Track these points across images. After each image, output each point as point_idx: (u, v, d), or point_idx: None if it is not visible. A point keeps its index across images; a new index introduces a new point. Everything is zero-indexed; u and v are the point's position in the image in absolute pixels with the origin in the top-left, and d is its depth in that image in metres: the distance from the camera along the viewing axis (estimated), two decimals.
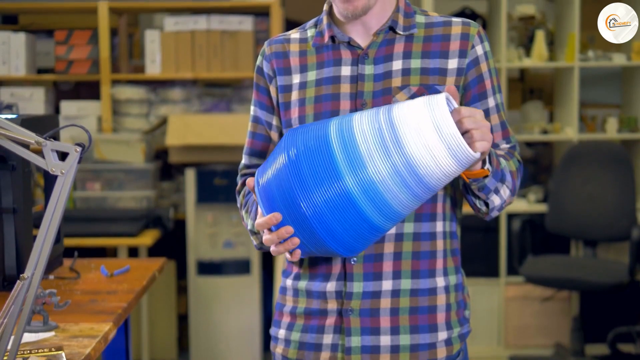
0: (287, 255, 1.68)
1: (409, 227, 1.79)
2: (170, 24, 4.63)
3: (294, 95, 1.85)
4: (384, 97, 1.78)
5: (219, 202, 4.48)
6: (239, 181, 1.97)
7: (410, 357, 1.80)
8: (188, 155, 4.54)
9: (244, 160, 1.96)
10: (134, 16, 5.46)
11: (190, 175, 4.50)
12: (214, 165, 4.56)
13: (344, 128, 1.60)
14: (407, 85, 1.78)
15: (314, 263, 1.84)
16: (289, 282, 1.90)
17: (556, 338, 4.79)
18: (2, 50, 4.55)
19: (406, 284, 1.80)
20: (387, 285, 1.79)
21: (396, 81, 1.79)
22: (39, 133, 1.76)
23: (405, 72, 1.79)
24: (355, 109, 1.79)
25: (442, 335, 1.83)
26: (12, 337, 1.71)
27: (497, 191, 1.75)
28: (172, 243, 4.70)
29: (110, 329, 2.08)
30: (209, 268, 4.54)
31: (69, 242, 2.95)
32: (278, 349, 1.91)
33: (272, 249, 1.67)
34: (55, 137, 1.79)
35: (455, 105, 1.61)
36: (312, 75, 1.84)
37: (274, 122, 1.90)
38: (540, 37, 4.88)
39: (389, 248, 1.78)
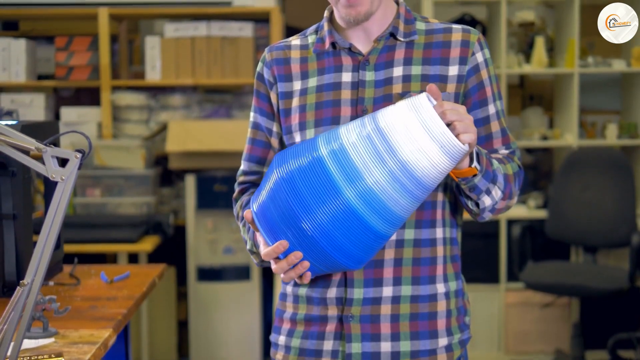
0: (297, 279, 1.69)
1: (409, 234, 1.79)
2: (170, 30, 4.63)
3: (295, 102, 1.85)
4: (385, 103, 1.78)
5: (219, 208, 4.48)
6: (237, 188, 1.97)
7: None
8: (188, 161, 4.54)
9: (243, 167, 1.95)
10: (134, 22, 5.47)
11: (190, 182, 4.50)
12: (214, 172, 4.56)
13: (333, 143, 1.61)
14: (408, 92, 1.78)
15: None
16: (289, 288, 1.90)
17: (556, 344, 4.78)
18: (2, 56, 4.56)
19: (406, 290, 1.80)
20: (387, 291, 1.79)
21: (397, 87, 1.79)
22: (39, 139, 1.76)
23: (406, 78, 1.80)
24: (356, 115, 1.79)
25: (443, 341, 1.83)
26: (12, 344, 1.71)
27: (488, 192, 1.75)
28: (172, 249, 4.69)
29: (110, 335, 2.08)
30: (209, 274, 4.54)
31: (69, 248, 2.95)
32: (278, 356, 1.90)
33: (283, 275, 1.68)
34: (56, 144, 1.80)
35: (435, 102, 1.62)
36: (312, 82, 1.84)
37: (275, 128, 1.90)
38: (540, 43, 4.88)
39: (389, 254, 1.78)
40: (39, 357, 1.87)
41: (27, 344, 1.96)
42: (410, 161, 1.56)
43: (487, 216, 1.82)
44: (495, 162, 1.76)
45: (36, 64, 4.80)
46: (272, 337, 1.93)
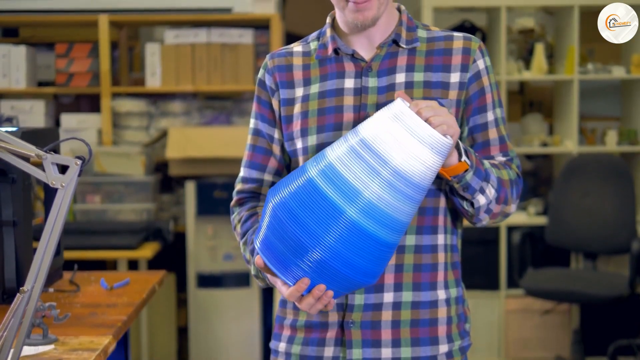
0: (322, 308, 1.68)
1: (410, 240, 1.79)
2: (170, 37, 4.64)
3: (297, 108, 1.85)
4: None
5: (219, 215, 4.48)
6: (235, 197, 1.96)
7: None
8: (188, 167, 4.54)
9: (243, 173, 1.94)
10: (134, 29, 5.48)
11: (190, 188, 4.50)
12: (214, 178, 4.56)
13: (322, 165, 1.61)
14: (411, 98, 1.78)
15: None
16: None
17: (556, 351, 4.78)
18: (2, 63, 4.56)
19: (407, 296, 1.80)
20: (388, 297, 1.79)
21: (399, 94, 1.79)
22: (39, 146, 1.76)
23: (409, 85, 1.80)
24: (358, 121, 1.79)
25: (443, 348, 1.83)
26: (12, 350, 1.71)
27: (482, 191, 1.75)
28: (172, 256, 4.69)
29: (110, 342, 2.08)
30: (208, 281, 4.53)
31: (68, 254, 2.95)
32: None
33: (310, 309, 1.67)
34: (56, 150, 1.80)
35: (409, 103, 1.64)
36: (315, 88, 1.84)
37: (276, 135, 1.90)
38: (539, 50, 4.89)
39: (390, 260, 1.78)
40: None
41: (27, 350, 1.96)
42: (405, 168, 1.58)
43: (484, 218, 1.81)
44: (486, 163, 1.77)
45: (36, 71, 4.80)
46: (272, 344, 1.93)
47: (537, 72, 4.89)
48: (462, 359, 1.87)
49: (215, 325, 4.53)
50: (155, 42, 4.71)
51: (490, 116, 1.84)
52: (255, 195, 1.93)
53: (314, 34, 1.92)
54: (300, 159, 1.83)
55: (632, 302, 4.48)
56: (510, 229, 4.71)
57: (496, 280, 4.77)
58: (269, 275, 1.74)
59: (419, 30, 1.86)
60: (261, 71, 1.92)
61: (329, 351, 1.83)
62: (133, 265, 4.34)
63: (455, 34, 1.86)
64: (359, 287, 1.67)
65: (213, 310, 4.53)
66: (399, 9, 1.88)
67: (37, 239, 1.76)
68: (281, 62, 1.89)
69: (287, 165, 1.92)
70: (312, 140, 1.81)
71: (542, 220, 4.77)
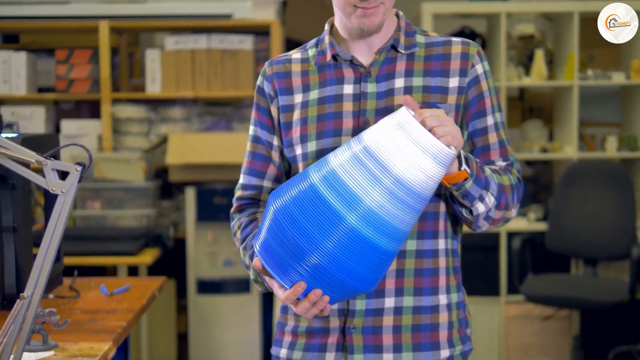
0: (318, 313, 1.68)
1: (411, 245, 1.80)
2: (170, 43, 4.64)
3: (296, 115, 1.85)
4: (387, 114, 1.78)
5: (219, 221, 4.48)
6: (235, 203, 1.96)
7: None
8: (188, 173, 4.54)
9: (242, 180, 1.95)
10: (134, 35, 5.48)
11: (190, 194, 4.50)
12: (214, 184, 4.56)
13: (324, 171, 1.61)
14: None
15: None
16: None
17: (557, 357, 4.77)
18: (3, 69, 4.56)
19: (408, 301, 1.80)
20: (389, 302, 1.79)
21: (398, 99, 1.80)
22: (39, 152, 1.76)
23: (408, 90, 1.80)
24: (358, 127, 1.79)
25: (445, 353, 1.83)
26: (12, 357, 1.71)
27: (481, 198, 1.75)
28: (172, 262, 4.69)
29: (109, 348, 2.07)
30: (208, 287, 4.53)
31: (68, 260, 2.95)
32: None
33: (306, 314, 1.67)
34: (56, 156, 1.80)
35: (414, 112, 1.63)
36: (314, 94, 1.85)
37: (275, 142, 1.90)
38: (539, 56, 4.89)
39: (391, 265, 1.78)
40: None
41: (27, 357, 1.96)
42: (406, 177, 1.57)
43: (483, 225, 1.81)
44: (487, 170, 1.77)
45: (37, 77, 4.81)
46: (274, 350, 1.93)
47: (537, 78, 4.89)
48: None
49: (215, 331, 4.52)
50: (155, 48, 4.72)
51: (490, 120, 1.85)
52: (254, 202, 1.93)
53: (313, 41, 1.92)
54: (300, 165, 1.84)
55: (632, 308, 4.48)
56: (511, 235, 4.71)
57: (496, 286, 4.76)
58: (267, 278, 1.74)
59: (418, 35, 1.87)
60: (260, 78, 1.92)
61: (330, 357, 1.83)
62: (133, 271, 4.34)
63: (454, 39, 1.87)
64: (356, 294, 1.67)
65: (213, 316, 4.52)
66: (397, 15, 1.89)
67: (37, 245, 1.76)
68: (280, 69, 1.90)
69: (287, 171, 1.92)
70: (312, 146, 1.81)
71: (542, 226, 4.76)
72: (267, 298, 4.68)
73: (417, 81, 1.81)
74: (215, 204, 4.49)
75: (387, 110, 1.79)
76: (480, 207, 1.76)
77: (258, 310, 4.54)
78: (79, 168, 1.72)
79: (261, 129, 1.92)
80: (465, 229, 1.92)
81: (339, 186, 1.58)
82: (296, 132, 1.84)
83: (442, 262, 1.83)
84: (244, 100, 4.80)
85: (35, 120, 4.58)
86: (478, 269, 4.71)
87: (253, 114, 1.93)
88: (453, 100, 1.81)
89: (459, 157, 1.70)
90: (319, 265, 1.59)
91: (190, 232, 4.52)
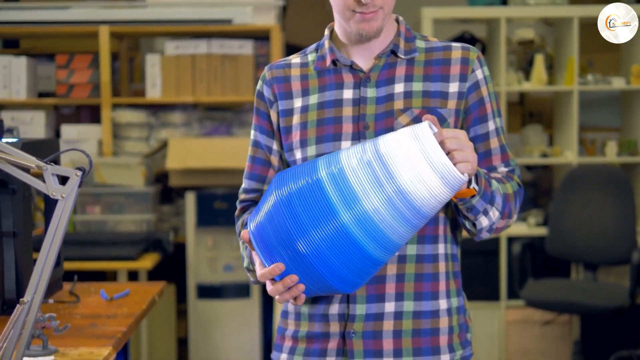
0: (292, 300, 1.69)
1: (411, 249, 1.80)
2: (170, 48, 4.64)
3: (295, 119, 1.86)
4: (387, 119, 1.79)
5: (219, 226, 4.48)
6: (238, 206, 1.97)
7: None
8: (188, 178, 4.54)
9: (244, 184, 1.96)
10: (134, 40, 5.49)
11: (190, 199, 4.50)
12: (214, 189, 4.56)
13: (333, 166, 1.62)
14: (410, 108, 1.79)
15: None
16: (290, 306, 1.89)
17: None
18: (3, 74, 4.57)
19: (409, 306, 1.80)
20: (389, 307, 1.79)
21: (398, 104, 1.80)
22: (39, 157, 1.76)
23: (407, 94, 1.81)
24: (357, 131, 1.80)
25: (445, 358, 1.83)
26: None
27: (485, 213, 1.75)
28: (172, 266, 4.69)
29: (109, 353, 2.07)
30: (209, 292, 4.53)
31: (68, 265, 2.94)
32: None
33: (278, 297, 1.68)
34: (56, 161, 1.80)
35: (436, 129, 1.63)
36: (313, 99, 1.85)
37: (274, 146, 1.91)
38: (539, 61, 4.89)
39: (391, 270, 1.79)
40: None
41: None
42: (408, 189, 1.57)
43: (485, 236, 1.82)
44: (494, 183, 1.77)
45: (37, 82, 4.81)
46: (274, 355, 1.92)
47: (536, 83, 4.89)
48: None
49: (215, 336, 4.52)
50: (155, 53, 4.72)
51: (491, 126, 1.85)
52: (255, 204, 1.94)
53: (313, 46, 1.93)
54: None
55: (632, 313, 4.47)
56: (511, 240, 4.71)
57: (496, 291, 4.76)
58: (252, 253, 1.74)
59: (417, 40, 1.87)
60: (260, 83, 1.93)
61: None
62: (133, 276, 4.34)
63: (454, 44, 1.87)
64: (333, 292, 1.68)
65: (213, 321, 4.52)
66: (397, 20, 1.89)
67: (37, 249, 1.76)
68: (279, 73, 1.90)
69: None
70: (312, 150, 1.82)
71: (542, 231, 4.76)
72: (268, 303, 4.68)
73: (417, 86, 1.81)
74: (215, 209, 4.49)
75: (386, 115, 1.79)
76: (484, 222, 1.77)
77: (258, 315, 4.54)
78: (79, 173, 1.72)
79: (261, 134, 1.92)
80: (465, 234, 1.92)
81: (342, 183, 1.59)
82: (296, 136, 1.85)
83: (442, 266, 1.83)
84: (244, 105, 4.80)
85: (35, 125, 4.58)
86: (478, 273, 4.71)
87: (253, 118, 1.94)
88: (453, 106, 1.81)
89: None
90: (302, 253, 1.60)
91: (190, 237, 4.52)
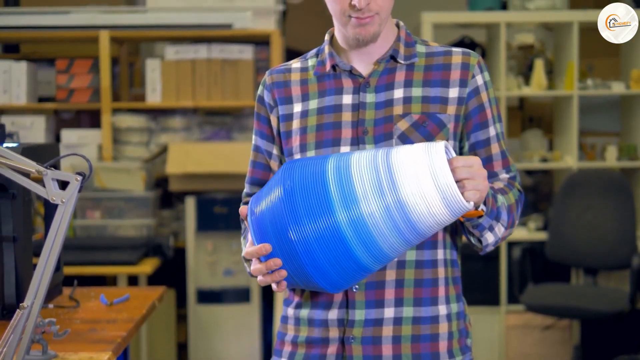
0: (274, 286, 1.70)
1: (411, 255, 1.80)
2: (171, 52, 4.65)
3: (295, 124, 1.86)
4: (386, 124, 1.79)
5: (219, 230, 4.48)
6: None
7: None
8: (188, 183, 4.54)
9: (246, 189, 1.97)
10: (134, 45, 5.49)
11: (190, 204, 4.50)
12: (214, 194, 4.56)
13: (342, 165, 1.63)
14: (409, 113, 1.79)
15: (315, 291, 1.84)
16: (290, 311, 1.89)
17: None
18: (3, 78, 4.57)
19: (408, 311, 1.80)
20: (389, 312, 1.79)
21: (397, 109, 1.80)
22: (39, 162, 1.76)
23: (407, 100, 1.81)
24: (356, 137, 1.80)
25: None
26: None
27: (491, 229, 1.76)
28: (172, 271, 4.68)
29: (109, 358, 2.07)
30: (208, 296, 4.52)
31: (68, 270, 2.94)
32: None
33: (260, 278, 1.69)
34: (56, 166, 1.80)
35: (453, 154, 1.63)
36: (313, 104, 1.85)
37: (274, 151, 1.91)
38: (539, 65, 4.90)
39: (390, 275, 1.79)
40: None
41: None
42: (408, 201, 1.57)
43: (489, 249, 1.83)
44: (500, 198, 1.76)
45: (37, 87, 4.81)
46: None
47: (536, 87, 4.89)
48: None
49: (215, 341, 4.51)
50: (155, 58, 4.73)
51: (492, 131, 1.85)
52: None
53: (313, 51, 1.93)
54: None
55: (632, 318, 4.47)
56: (511, 245, 4.71)
57: (496, 296, 4.76)
58: (248, 234, 1.75)
59: (418, 45, 1.87)
60: (260, 88, 1.93)
61: None
62: (133, 280, 4.34)
63: (454, 49, 1.87)
64: (314, 288, 1.69)
65: (213, 325, 4.52)
66: (397, 25, 1.89)
67: (37, 254, 1.76)
68: (279, 78, 1.90)
69: None
70: (311, 155, 1.82)
71: (542, 236, 4.76)
72: (267, 307, 4.68)
73: (417, 91, 1.82)
74: (215, 214, 4.49)
75: (385, 120, 1.79)
76: (489, 238, 1.77)
77: (258, 320, 4.53)
78: (79, 178, 1.72)
79: (261, 139, 1.93)
80: (465, 239, 1.92)
81: (346, 182, 1.60)
82: (295, 141, 1.85)
83: (441, 272, 1.83)
84: (244, 109, 4.80)
85: (35, 130, 4.58)
86: (478, 278, 4.71)
87: (254, 123, 1.95)
88: (452, 111, 1.81)
89: None
90: (291, 241, 1.61)
91: (190, 242, 4.52)
